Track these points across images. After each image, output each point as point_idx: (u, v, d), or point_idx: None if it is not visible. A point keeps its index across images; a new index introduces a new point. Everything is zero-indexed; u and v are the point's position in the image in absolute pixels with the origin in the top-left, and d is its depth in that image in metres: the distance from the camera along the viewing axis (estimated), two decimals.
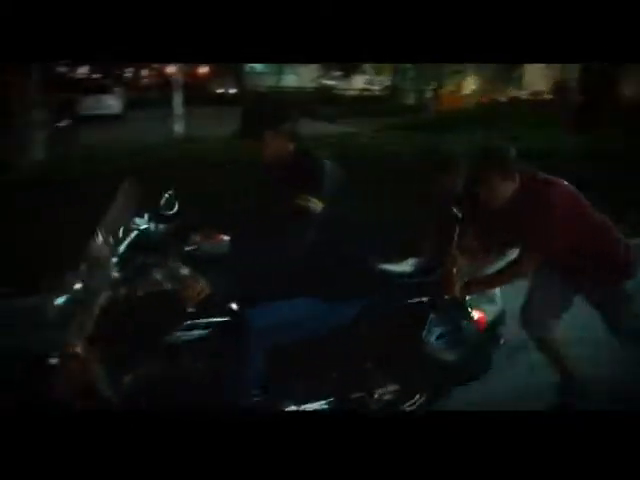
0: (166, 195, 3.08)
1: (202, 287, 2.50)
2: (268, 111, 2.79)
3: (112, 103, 22.98)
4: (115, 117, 21.93)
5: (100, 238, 2.74)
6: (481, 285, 3.12)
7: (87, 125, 17.21)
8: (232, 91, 30.13)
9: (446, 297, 3.04)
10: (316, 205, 2.57)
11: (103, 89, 23.18)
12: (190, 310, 2.57)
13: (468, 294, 3.08)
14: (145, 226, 2.87)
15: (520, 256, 3.07)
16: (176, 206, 3.06)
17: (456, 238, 3.10)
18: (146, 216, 2.96)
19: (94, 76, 30.97)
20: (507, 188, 3.01)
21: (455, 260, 3.01)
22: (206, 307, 2.63)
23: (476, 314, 3.16)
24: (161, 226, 2.98)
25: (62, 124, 13.04)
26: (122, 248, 2.64)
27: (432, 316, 3.10)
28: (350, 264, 2.81)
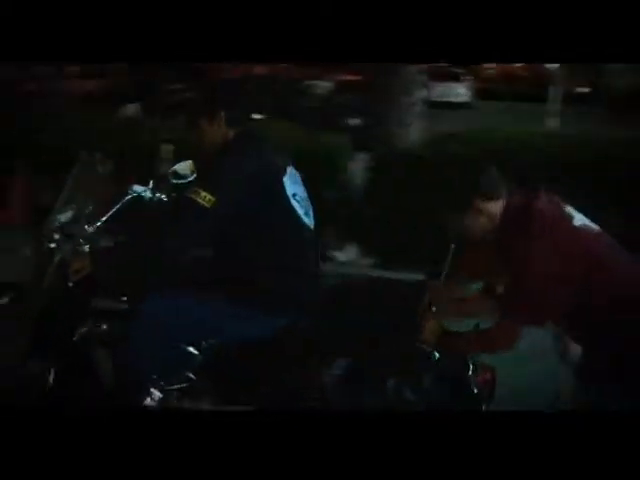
0: (186, 162, 2.90)
1: (84, 264, 2.49)
2: None
3: (462, 91, 24.00)
4: (463, 105, 23.06)
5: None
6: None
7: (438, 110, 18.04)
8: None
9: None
10: (204, 201, 2.41)
11: (454, 78, 23.96)
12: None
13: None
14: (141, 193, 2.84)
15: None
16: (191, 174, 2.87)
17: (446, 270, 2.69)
18: (151, 183, 2.90)
19: (445, 66, 31.90)
20: (492, 210, 2.43)
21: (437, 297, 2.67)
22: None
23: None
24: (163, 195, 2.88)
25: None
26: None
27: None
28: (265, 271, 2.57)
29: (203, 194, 2.43)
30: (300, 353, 2.65)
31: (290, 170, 2.71)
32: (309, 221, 2.72)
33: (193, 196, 2.45)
